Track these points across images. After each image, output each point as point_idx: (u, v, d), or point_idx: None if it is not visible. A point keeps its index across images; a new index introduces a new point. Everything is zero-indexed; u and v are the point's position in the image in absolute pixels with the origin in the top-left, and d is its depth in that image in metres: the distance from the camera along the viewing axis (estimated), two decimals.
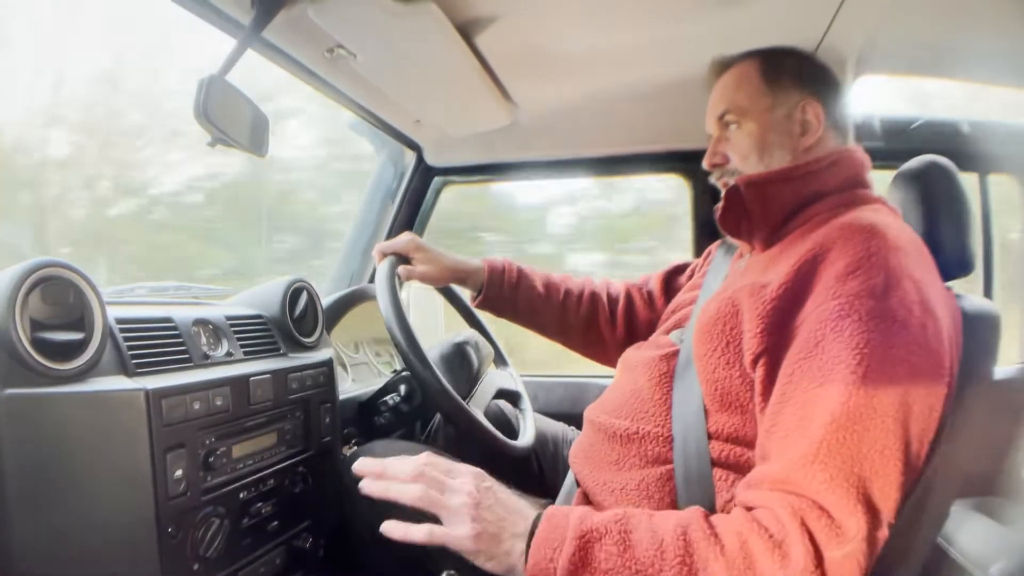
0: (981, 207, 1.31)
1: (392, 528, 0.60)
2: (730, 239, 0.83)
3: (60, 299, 0.60)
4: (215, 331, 0.80)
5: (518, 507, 0.60)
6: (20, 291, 0.56)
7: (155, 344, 0.70)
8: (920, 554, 0.71)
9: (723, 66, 0.82)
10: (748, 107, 0.77)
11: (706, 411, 0.68)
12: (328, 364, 0.94)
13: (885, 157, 1.00)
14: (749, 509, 0.56)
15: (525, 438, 1.03)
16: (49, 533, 0.56)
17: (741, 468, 0.65)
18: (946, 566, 0.87)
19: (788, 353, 0.59)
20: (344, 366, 1.22)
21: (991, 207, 1.32)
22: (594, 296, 1.08)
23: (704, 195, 1.39)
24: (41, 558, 0.56)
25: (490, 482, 0.61)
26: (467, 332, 1.09)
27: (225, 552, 0.72)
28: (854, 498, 0.51)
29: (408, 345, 0.86)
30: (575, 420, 1.02)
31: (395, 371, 1.29)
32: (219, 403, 0.72)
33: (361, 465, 0.64)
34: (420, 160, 1.49)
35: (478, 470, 0.62)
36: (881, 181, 0.83)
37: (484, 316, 1.17)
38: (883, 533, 0.52)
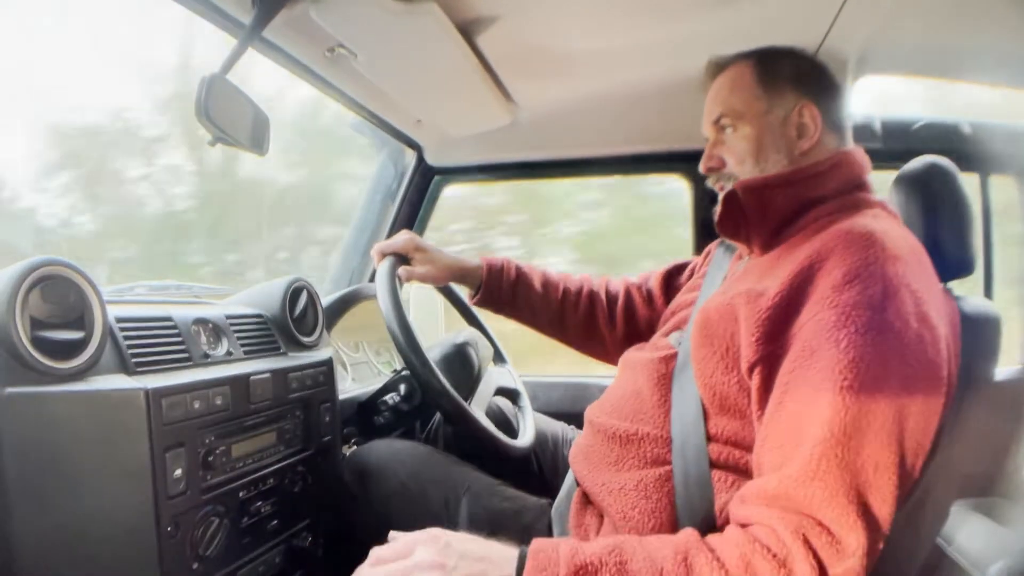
0: (982, 208, 1.31)
1: None
2: (729, 242, 0.83)
3: (60, 298, 0.60)
4: (215, 330, 0.80)
5: (489, 552, 0.57)
6: (20, 290, 0.56)
7: (155, 343, 0.70)
8: (920, 554, 0.71)
9: (718, 67, 0.81)
10: (743, 111, 0.76)
11: (705, 414, 0.67)
12: (328, 363, 0.94)
13: (886, 158, 1.00)
14: (745, 526, 0.56)
15: (525, 438, 1.03)
16: (49, 532, 0.56)
17: (740, 470, 0.65)
18: (945, 566, 0.87)
19: (784, 362, 0.59)
20: (344, 365, 1.22)
21: (992, 208, 1.32)
22: (593, 295, 1.08)
23: (704, 195, 1.39)
24: (41, 556, 0.56)
25: (446, 537, 0.57)
26: (467, 332, 1.09)
27: (225, 551, 0.72)
28: (854, 514, 0.51)
29: (409, 346, 0.86)
30: (575, 420, 1.02)
31: (395, 370, 1.29)
32: (219, 402, 0.72)
33: None
34: (420, 160, 1.49)
35: (431, 532, 0.58)
36: (882, 183, 0.83)
37: (483, 314, 1.17)
38: (880, 544, 0.53)
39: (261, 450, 0.80)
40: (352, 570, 0.59)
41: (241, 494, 0.76)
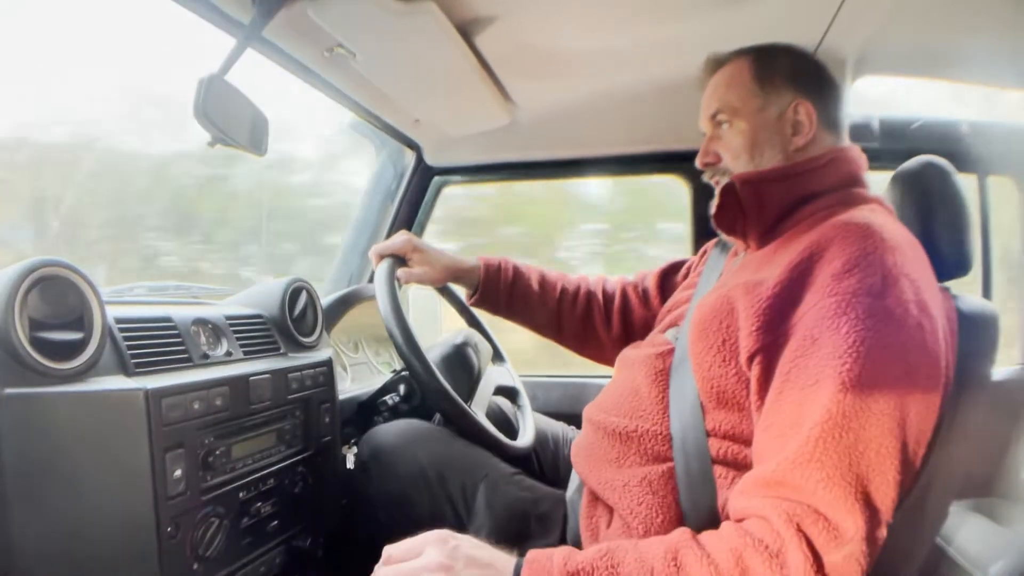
0: (980, 208, 1.31)
1: None
2: (725, 237, 0.83)
3: (59, 298, 0.60)
4: (214, 331, 0.80)
5: (494, 559, 0.57)
6: (19, 290, 0.56)
7: (154, 344, 0.70)
8: (919, 554, 0.71)
9: (716, 64, 0.82)
10: (739, 107, 0.77)
11: (703, 408, 0.68)
12: (327, 364, 0.94)
13: (885, 158, 1.00)
14: (741, 520, 0.56)
15: (525, 438, 1.03)
16: (49, 533, 0.56)
17: (740, 465, 0.65)
18: (945, 566, 0.87)
19: (784, 351, 0.59)
20: (343, 366, 1.22)
21: (990, 208, 1.33)
22: (590, 294, 1.08)
23: (702, 195, 1.39)
24: (40, 558, 0.56)
25: (455, 540, 0.58)
26: (466, 332, 1.09)
27: (225, 552, 0.72)
28: (852, 497, 0.51)
29: (408, 347, 0.86)
30: (575, 420, 1.02)
31: (394, 371, 1.29)
32: (218, 403, 0.72)
33: None
34: (420, 160, 1.49)
35: (441, 533, 0.59)
36: (881, 182, 0.84)
37: (482, 314, 1.17)
38: (882, 532, 0.52)
39: (261, 451, 0.80)
40: (352, 570, 0.60)
41: (241, 495, 0.76)
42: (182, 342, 0.73)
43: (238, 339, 0.82)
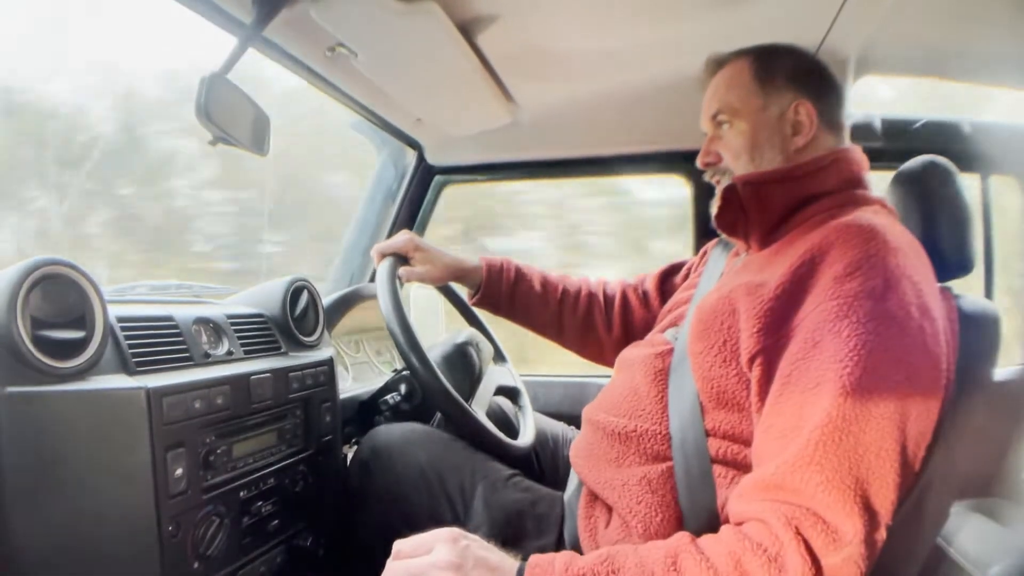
0: (982, 208, 1.30)
1: None
2: (727, 237, 0.83)
3: (61, 297, 0.60)
4: (216, 330, 0.80)
5: (502, 563, 0.57)
6: (21, 289, 0.56)
7: (156, 343, 0.70)
8: (920, 555, 0.71)
9: (717, 64, 0.82)
10: (740, 107, 0.77)
11: (702, 408, 0.68)
12: (329, 363, 0.94)
13: (887, 158, 1.00)
14: (740, 524, 0.56)
15: (525, 437, 1.03)
16: (49, 531, 0.56)
17: (739, 465, 0.65)
18: (946, 567, 0.87)
19: (785, 354, 0.59)
20: (345, 365, 1.22)
21: (992, 208, 1.32)
22: (591, 296, 1.08)
23: (704, 195, 1.39)
24: (41, 556, 0.56)
25: (466, 540, 0.58)
26: (467, 332, 1.09)
27: (225, 551, 0.72)
28: (851, 500, 0.51)
29: (409, 346, 0.86)
30: (575, 420, 1.01)
31: (396, 370, 1.29)
32: (220, 402, 0.72)
33: None
34: (421, 159, 1.49)
35: (452, 532, 0.58)
36: (883, 182, 0.83)
37: (484, 314, 1.17)
38: (881, 535, 0.52)
39: (262, 450, 0.80)
40: (352, 570, 0.60)
41: (242, 494, 0.76)
42: (183, 341, 0.73)
43: (239, 338, 0.82)
